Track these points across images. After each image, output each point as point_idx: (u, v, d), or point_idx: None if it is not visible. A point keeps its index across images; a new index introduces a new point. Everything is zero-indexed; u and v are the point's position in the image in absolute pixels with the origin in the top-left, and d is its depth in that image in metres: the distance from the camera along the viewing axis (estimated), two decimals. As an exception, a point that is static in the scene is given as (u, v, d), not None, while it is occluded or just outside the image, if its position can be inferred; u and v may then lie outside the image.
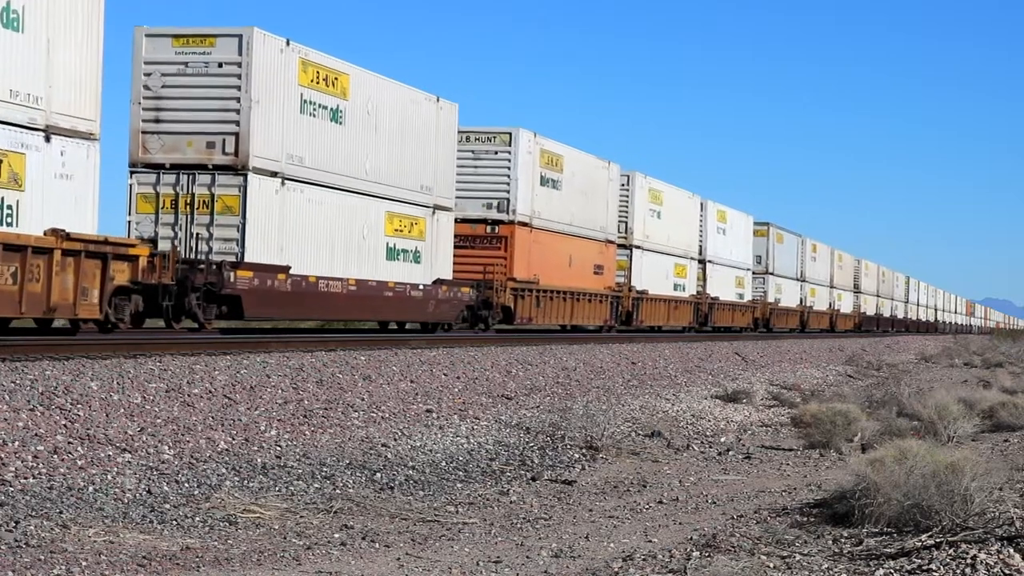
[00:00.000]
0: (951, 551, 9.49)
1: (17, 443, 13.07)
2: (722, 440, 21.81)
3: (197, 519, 12.05)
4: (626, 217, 47.84)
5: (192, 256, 25.37)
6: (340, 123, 28.62)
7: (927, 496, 10.67)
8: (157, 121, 26.15)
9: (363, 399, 19.46)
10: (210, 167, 25.92)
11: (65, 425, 14.06)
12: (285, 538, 11.63)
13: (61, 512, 11.54)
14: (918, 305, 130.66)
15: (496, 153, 37.64)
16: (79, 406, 14.79)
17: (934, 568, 9.10)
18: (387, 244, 30.70)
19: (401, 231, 31.25)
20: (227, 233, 25.86)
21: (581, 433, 19.68)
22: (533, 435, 19.76)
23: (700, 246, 56.98)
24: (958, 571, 8.98)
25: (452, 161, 34.06)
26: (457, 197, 35.33)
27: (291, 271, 26.89)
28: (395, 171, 30.91)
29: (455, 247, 34.88)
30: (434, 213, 32.81)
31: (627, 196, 47.84)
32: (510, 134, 37.69)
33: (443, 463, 16.77)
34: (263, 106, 26.14)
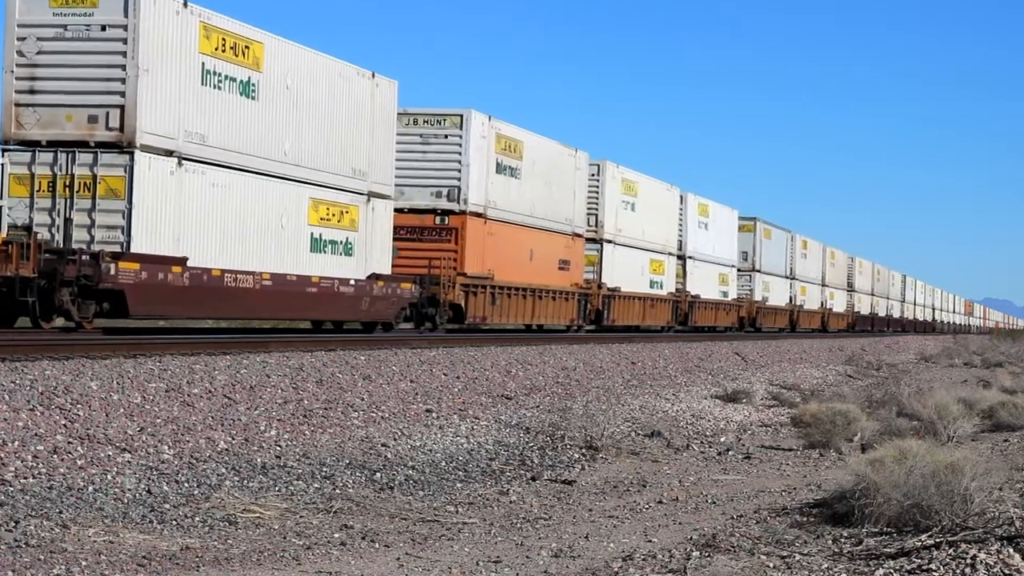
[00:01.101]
0: (951, 551, 9.49)
1: (17, 443, 13.07)
2: (722, 440, 21.81)
3: (197, 519, 12.05)
4: (596, 209, 45.09)
5: (66, 245, 22.38)
6: (252, 97, 25.47)
7: (927, 496, 10.67)
8: (32, 92, 23.35)
9: (363, 399, 19.46)
10: (92, 144, 23.00)
11: (65, 425, 14.06)
12: (285, 538, 11.63)
13: (61, 512, 11.54)
14: (915, 304, 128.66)
15: (446, 137, 34.75)
16: (79, 406, 14.80)
17: (934, 568, 9.10)
18: (311, 234, 27.75)
19: (329, 220, 28.32)
20: (110, 220, 22.88)
21: (581, 433, 19.68)
22: (533, 435, 19.76)
23: (680, 241, 54.41)
24: (958, 571, 8.98)
25: (391, 144, 31.13)
26: (403, 185, 33.50)
27: (189, 263, 23.91)
28: (321, 153, 28.01)
29: (400, 240, 32.68)
30: (369, 201, 29.91)
31: (597, 186, 45.15)
32: (461, 116, 34.72)
33: (443, 463, 16.77)
34: (153, 75, 23.21)
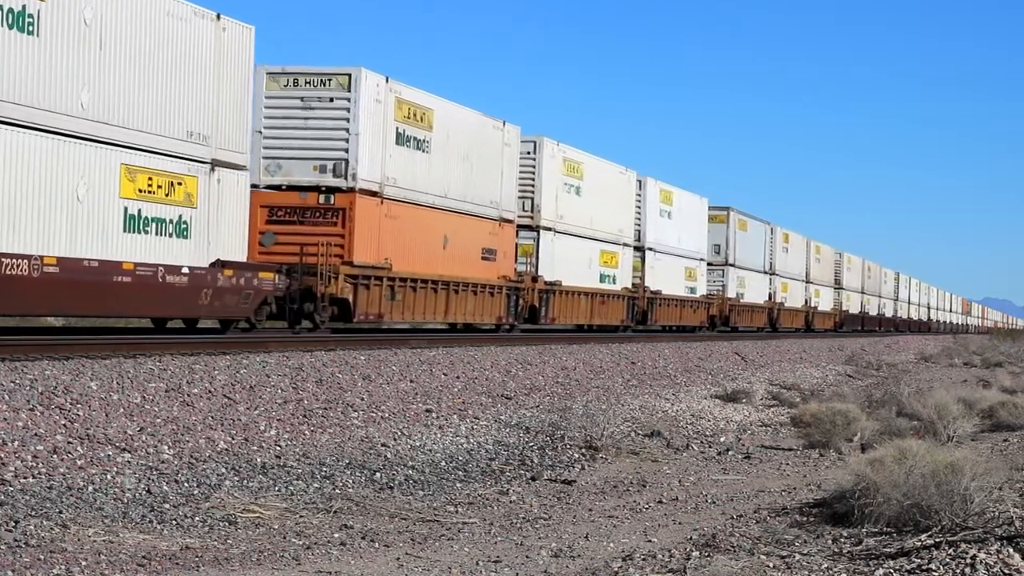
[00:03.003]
0: (951, 551, 9.49)
1: (17, 443, 13.07)
2: (722, 440, 21.81)
3: (197, 519, 12.05)
4: (532, 191, 39.48)
5: None
6: (30, 32, 19.86)
7: (927, 496, 10.67)
8: None
9: (363, 399, 19.46)
10: None
11: (65, 425, 14.06)
12: (285, 538, 11.63)
13: (61, 512, 11.54)
14: (909, 303, 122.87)
15: (331, 101, 29.47)
16: (79, 406, 14.80)
17: (934, 568, 9.10)
18: (125, 210, 21.94)
19: (152, 193, 22.43)
20: None
21: (581, 433, 19.68)
22: (533, 435, 19.77)
23: (638, 231, 48.97)
24: (958, 571, 8.98)
25: (244, 103, 25.11)
26: (281, 158, 29.39)
27: None
28: (138, 108, 22.21)
29: (278, 223, 28.96)
30: (213, 171, 23.90)
31: (533, 166, 39.50)
32: (349, 75, 29.41)
33: (443, 463, 16.77)
34: None
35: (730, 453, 19.84)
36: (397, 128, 30.92)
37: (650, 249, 50.00)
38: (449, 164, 33.60)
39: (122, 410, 15.20)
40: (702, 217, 57.35)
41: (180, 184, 23.28)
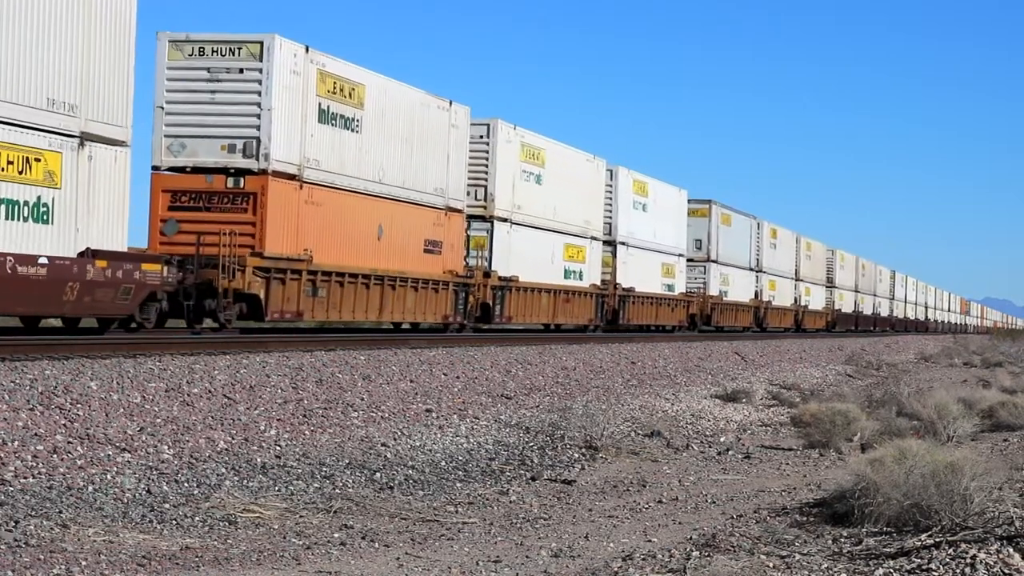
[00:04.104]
0: (951, 551, 9.49)
1: (17, 443, 13.08)
2: (722, 440, 21.81)
3: (197, 519, 12.05)
4: (484, 179, 36.25)
5: None
6: None
7: (927, 496, 10.67)
8: None
9: (363, 399, 19.46)
10: None
11: (65, 425, 14.07)
12: (285, 538, 11.64)
13: (61, 512, 11.54)
14: (905, 302, 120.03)
15: (241, 72, 26.24)
16: (79, 406, 14.80)
17: (934, 568, 9.10)
18: None
19: (1, 170, 19.40)
20: None
21: (581, 433, 19.68)
22: (533, 435, 19.77)
23: (609, 224, 46.16)
24: (958, 571, 8.98)
25: (126, 67, 21.68)
26: (185, 136, 26.30)
27: None
28: None
29: (181, 208, 26.10)
30: (83, 146, 20.85)
31: (486, 151, 36.21)
32: (261, 44, 26.23)
33: (443, 463, 16.77)
34: None
35: (730, 453, 19.84)
36: (320, 104, 27.81)
37: (622, 243, 47.29)
38: (385, 146, 30.43)
39: (122, 410, 15.21)
40: (681, 210, 54.54)
41: (39, 160, 20.09)
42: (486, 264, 35.99)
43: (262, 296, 25.93)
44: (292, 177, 26.97)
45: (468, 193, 35.09)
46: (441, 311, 33.27)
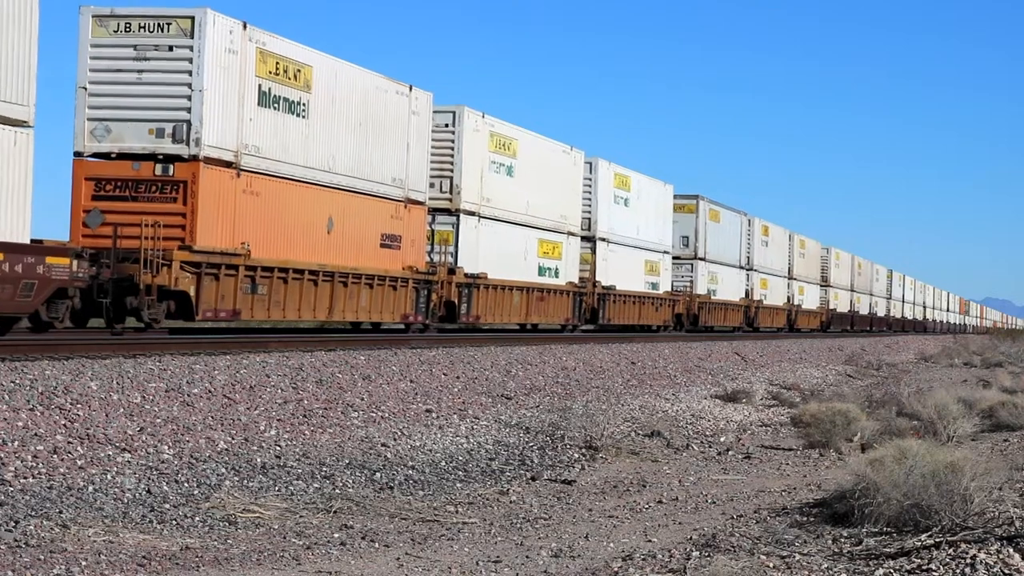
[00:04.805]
0: (951, 551, 9.49)
1: (17, 443, 13.08)
2: (722, 440, 21.82)
3: (197, 519, 12.05)
4: (450, 170, 33.97)
5: None
6: None
7: (927, 496, 10.67)
8: None
9: (363, 399, 19.47)
10: None
11: (65, 425, 14.07)
12: (285, 538, 11.64)
13: (61, 512, 11.55)
14: (903, 302, 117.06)
15: (170, 50, 24.13)
16: (79, 406, 14.80)
17: (934, 568, 9.10)
18: None
19: None
20: None
21: (581, 433, 19.68)
22: (533, 435, 19.77)
23: (588, 219, 43.92)
24: (958, 571, 8.98)
25: (27, 41, 19.72)
26: (110, 119, 24.21)
27: None
28: None
29: (106, 198, 24.03)
30: None
31: (451, 140, 34.04)
32: (192, 19, 24.17)
33: (443, 463, 16.77)
34: None
35: (730, 453, 19.84)
36: (260, 85, 25.55)
37: (602, 239, 45.01)
38: (335, 132, 28.25)
39: (122, 410, 15.21)
40: (666, 205, 52.33)
41: None
42: (451, 260, 33.81)
43: (192, 293, 23.92)
44: (228, 164, 24.83)
45: (432, 185, 33.15)
46: (400, 310, 31.05)
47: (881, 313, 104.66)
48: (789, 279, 72.74)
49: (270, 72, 25.86)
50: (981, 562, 9.06)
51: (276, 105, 26.11)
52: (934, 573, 9.02)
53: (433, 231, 33.52)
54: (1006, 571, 8.90)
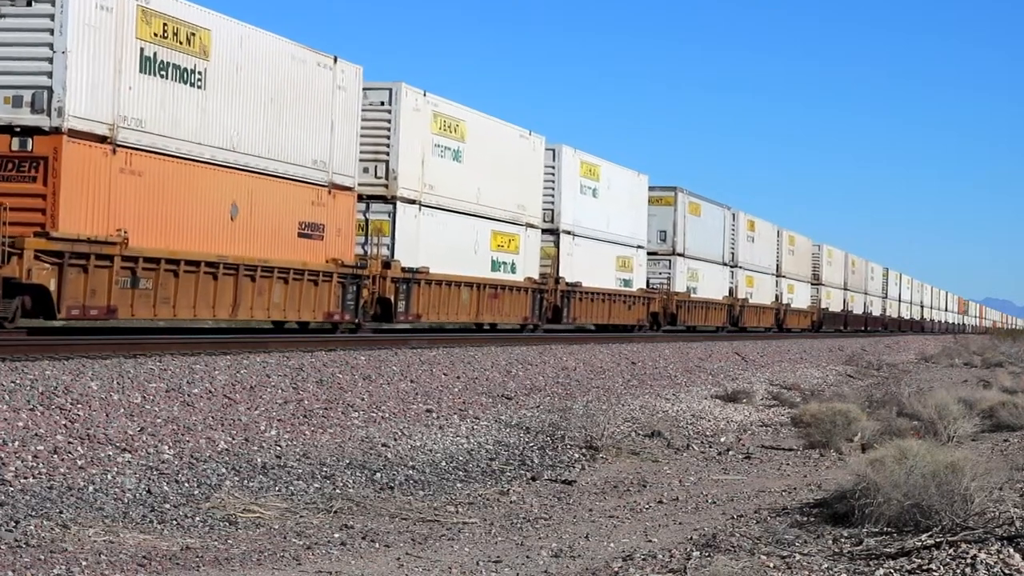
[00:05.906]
0: (951, 551, 9.49)
1: (17, 443, 13.08)
2: (722, 440, 21.82)
3: (197, 519, 12.05)
4: (385, 154, 30.60)
5: None
6: None
7: (927, 496, 10.68)
8: None
9: (363, 399, 19.47)
10: None
11: (65, 425, 14.07)
12: (285, 538, 11.64)
13: (61, 512, 11.55)
14: (899, 301, 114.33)
15: (29, 5, 20.68)
16: (79, 406, 14.81)
17: (934, 568, 9.10)
18: None
19: None
20: None
21: (581, 433, 19.68)
22: (533, 435, 19.77)
23: (550, 210, 40.62)
24: (958, 571, 8.99)
25: None
26: None
27: None
28: None
29: None
30: None
31: (387, 121, 30.68)
32: None
33: (443, 463, 16.78)
34: None
35: (730, 453, 19.85)
36: (143, 50, 22.06)
37: (567, 232, 41.56)
38: (240, 106, 24.78)
39: (122, 410, 15.21)
40: (641, 197, 48.95)
41: None
42: (387, 253, 30.31)
43: (52, 288, 20.30)
44: (102, 139, 21.29)
45: (366, 170, 29.97)
46: (323, 308, 27.53)
47: (876, 313, 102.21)
48: (777, 276, 69.52)
49: (155, 34, 22.30)
50: (981, 562, 9.06)
51: (163, 73, 22.58)
52: (934, 573, 9.02)
53: (367, 220, 30.30)
54: (1006, 571, 8.91)
